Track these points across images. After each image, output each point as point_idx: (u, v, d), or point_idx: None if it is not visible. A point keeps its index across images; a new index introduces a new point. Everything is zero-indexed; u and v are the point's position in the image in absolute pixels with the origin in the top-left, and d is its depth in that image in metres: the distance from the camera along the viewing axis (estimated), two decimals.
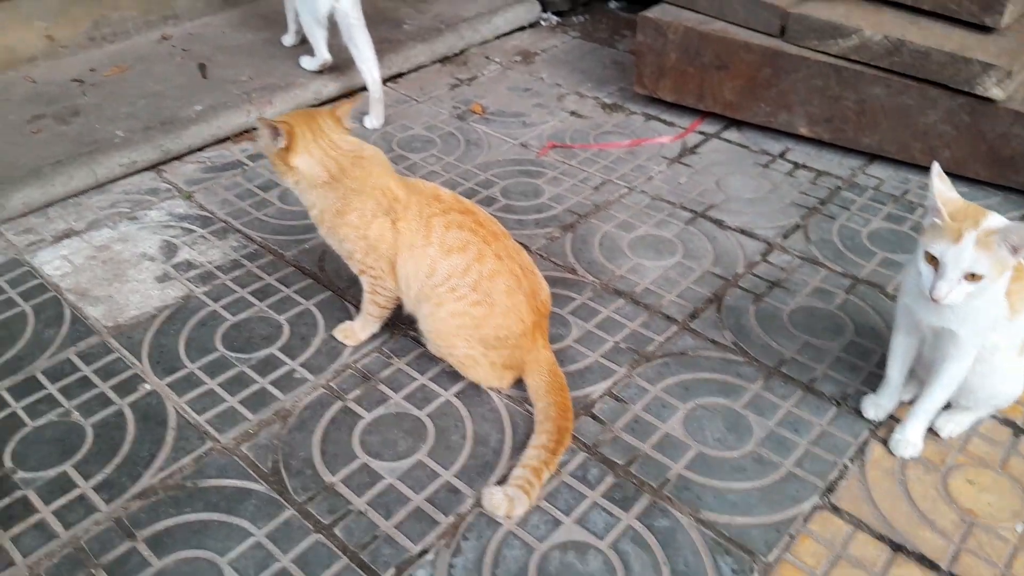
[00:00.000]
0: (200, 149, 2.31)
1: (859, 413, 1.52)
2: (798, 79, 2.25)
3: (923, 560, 1.27)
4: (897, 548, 1.28)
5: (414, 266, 1.50)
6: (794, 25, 2.24)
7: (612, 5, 3.31)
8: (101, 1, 2.67)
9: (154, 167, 2.22)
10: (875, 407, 1.52)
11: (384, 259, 1.52)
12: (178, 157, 2.26)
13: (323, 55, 2.54)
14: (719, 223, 2.05)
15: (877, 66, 2.15)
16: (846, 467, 1.42)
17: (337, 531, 1.29)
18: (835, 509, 1.34)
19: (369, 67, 2.40)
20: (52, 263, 1.88)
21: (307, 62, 2.61)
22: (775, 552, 1.27)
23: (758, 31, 2.31)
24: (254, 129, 2.41)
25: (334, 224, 1.52)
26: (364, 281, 1.59)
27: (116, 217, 2.04)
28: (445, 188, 1.54)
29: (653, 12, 2.42)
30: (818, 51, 2.22)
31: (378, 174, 1.53)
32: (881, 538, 1.30)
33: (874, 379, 1.57)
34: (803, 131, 2.32)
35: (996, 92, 2.00)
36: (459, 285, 1.46)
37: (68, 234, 1.97)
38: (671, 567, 1.25)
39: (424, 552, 1.26)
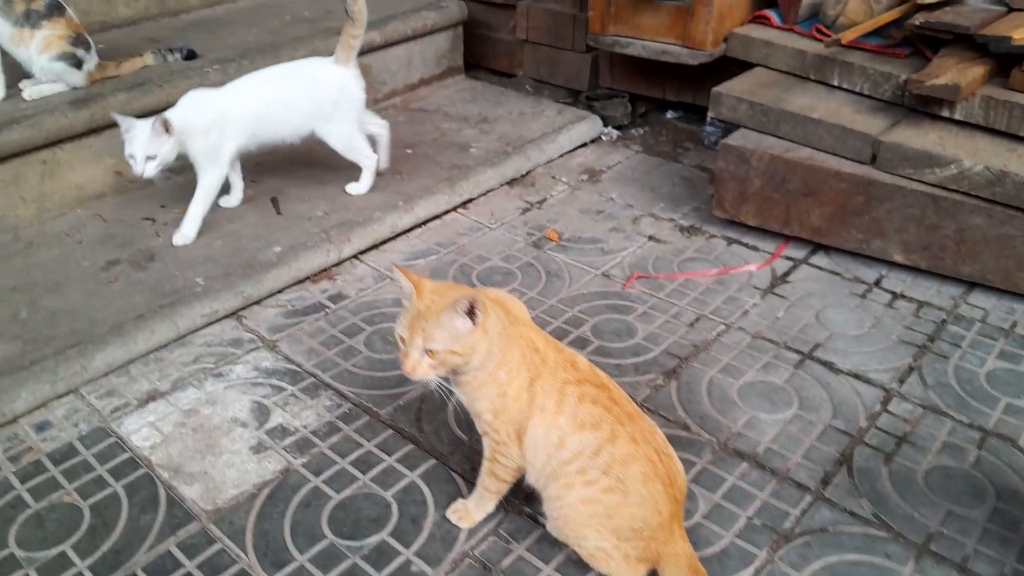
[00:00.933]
0: (279, 291, 2.25)
1: None
2: (892, 207, 2.19)
3: None
4: None
5: (544, 433, 1.39)
6: (886, 153, 2.19)
7: (669, 116, 3.29)
8: None
9: (234, 314, 2.16)
10: None
11: (513, 423, 1.41)
12: (258, 301, 2.20)
13: (375, 157, 2.61)
14: (829, 366, 1.95)
15: (978, 196, 2.09)
16: None
17: None
18: None
19: (382, 130, 2.69)
20: (140, 432, 1.80)
21: (362, 185, 2.62)
22: None
23: (847, 158, 2.26)
24: (333, 266, 2.35)
25: (481, 382, 1.39)
26: (485, 444, 1.48)
27: (201, 374, 1.97)
28: (582, 356, 1.46)
29: (735, 139, 2.38)
30: (913, 179, 2.16)
31: (523, 322, 1.45)
32: None
33: None
34: (898, 258, 2.24)
35: None
36: (589, 467, 1.37)
37: (153, 396, 1.90)
38: None
39: None
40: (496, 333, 1.38)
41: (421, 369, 1.33)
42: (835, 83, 2.46)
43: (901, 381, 1.91)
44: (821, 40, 2.54)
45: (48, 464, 1.72)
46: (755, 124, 2.42)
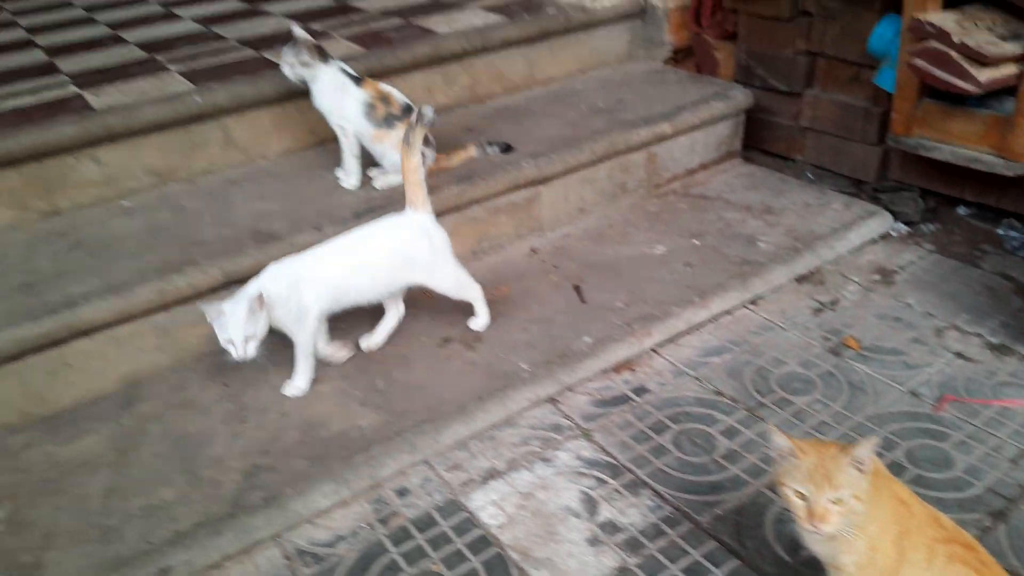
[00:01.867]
0: (588, 379, 2.44)
1: None
2: None
3: None
4: None
5: None
6: None
7: (962, 212, 3.17)
8: (484, 219, 2.96)
9: (551, 399, 2.38)
10: None
11: None
12: (570, 388, 2.41)
13: (479, 286, 2.61)
14: None
15: None
16: None
17: None
18: None
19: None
20: (486, 509, 2.04)
21: (480, 319, 2.61)
22: None
23: None
24: (631, 359, 2.52)
25: (852, 535, 1.45)
26: None
27: (530, 457, 2.19)
28: (944, 515, 1.50)
29: None
30: None
31: (882, 473, 1.52)
32: None
33: None
34: None
35: None
36: None
37: (493, 475, 2.14)
38: None
39: None
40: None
41: (832, 518, 1.40)
42: None
43: None
44: None
45: (413, 530, 2.00)
46: None
